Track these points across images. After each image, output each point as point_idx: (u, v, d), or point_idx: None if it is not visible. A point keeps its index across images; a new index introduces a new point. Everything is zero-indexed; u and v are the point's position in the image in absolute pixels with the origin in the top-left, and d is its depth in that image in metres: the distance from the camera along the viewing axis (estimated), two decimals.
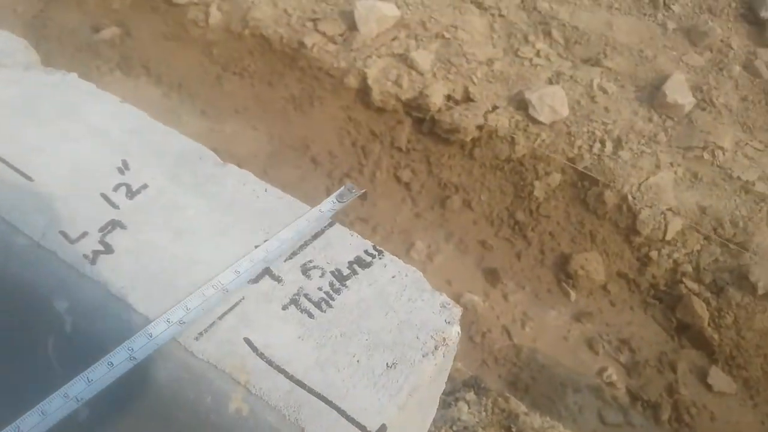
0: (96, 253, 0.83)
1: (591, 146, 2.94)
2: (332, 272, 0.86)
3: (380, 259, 0.89)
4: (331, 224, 0.91)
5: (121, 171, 0.92)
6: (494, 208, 2.95)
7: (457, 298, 2.75)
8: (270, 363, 0.76)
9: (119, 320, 0.78)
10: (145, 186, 0.91)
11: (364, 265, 0.88)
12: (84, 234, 0.84)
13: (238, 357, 0.76)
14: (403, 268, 0.88)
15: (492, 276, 2.90)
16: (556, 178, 2.96)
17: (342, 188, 0.94)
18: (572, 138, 2.96)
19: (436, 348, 0.81)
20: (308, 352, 0.78)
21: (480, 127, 2.99)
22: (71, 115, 0.98)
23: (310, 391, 0.75)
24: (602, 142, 2.93)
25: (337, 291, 0.84)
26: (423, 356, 0.80)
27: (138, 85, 3.33)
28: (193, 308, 0.78)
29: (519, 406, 2.03)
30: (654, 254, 2.82)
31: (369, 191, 2.95)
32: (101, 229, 0.85)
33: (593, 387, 2.71)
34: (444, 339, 0.82)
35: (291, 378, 0.75)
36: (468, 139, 3.01)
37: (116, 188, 0.90)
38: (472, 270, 2.86)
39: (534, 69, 3.15)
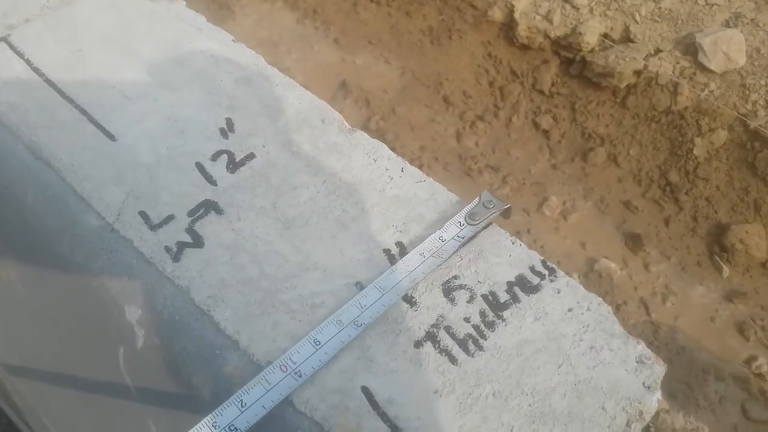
0: (181, 245, 0.61)
1: None
2: (484, 296, 0.60)
3: (552, 281, 0.62)
4: (485, 226, 0.65)
5: (224, 133, 0.70)
6: (644, 166, 2.55)
7: (591, 264, 2.43)
8: (395, 429, 0.53)
9: (201, 342, 0.57)
10: (251, 156, 0.68)
11: (529, 288, 0.61)
12: (169, 218, 0.63)
13: (352, 415, 0.53)
14: (584, 298, 0.61)
15: (633, 241, 2.52)
16: (722, 135, 2.50)
17: (474, 202, 0.65)
18: (746, 91, 2.47)
19: (628, 425, 0.55)
20: (449, 416, 0.54)
21: (638, 73, 2.55)
22: (172, 56, 0.76)
23: None
24: None
25: (491, 326, 0.59)
26: None
27: (273, 9, 3.13)
28: (303, 356, 0.55)
29: (660, 402, 1.72)
30: None
31: (503, 137, 2.64)
32: (191, 213, 0.64)
33: (739, 377, 2.33)
34: (641, 413, 0.55)
35: None
36: (622, 85, 2.58)
37: (215, 157, 0.68)
38: (612, 233, 2.51)
39: (709, 9, 2.63)
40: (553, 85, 2.66)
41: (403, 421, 0.53)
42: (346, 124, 0.72)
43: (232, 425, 0.51)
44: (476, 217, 0.63)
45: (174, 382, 0.57)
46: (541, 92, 2.66)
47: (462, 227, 0.62)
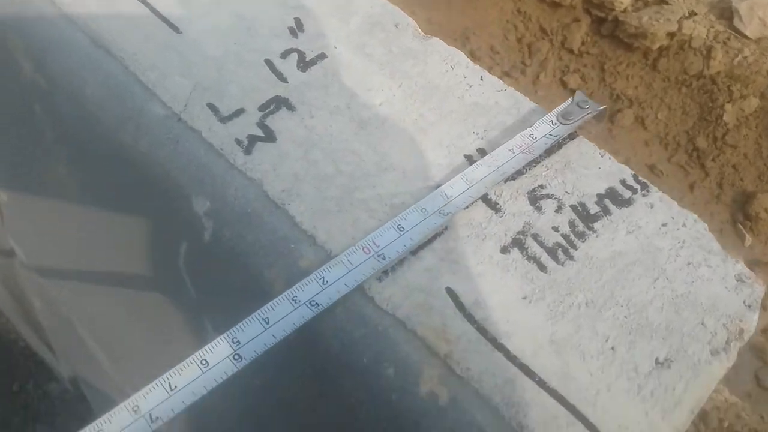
0: (252, 139, 0.57)
1: None
2: (573, 207, 0.57)
3: (644, 195, 0.58)
4: (572, 136, 0.61)
5: (293, 32, 0.65)
6: (672, 130, 2.50)
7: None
8: (482, 331, 0.50)
9: (275, 235, 0.53)
10: (322, 56, 0.64)
11: (621, 202, 0.57)
12: (239, 111, 0.59)
13: (437, 315, 0.50)
14: (679, 214, 0.57)
15: None
16: (753, 103, 2.44)
17: (568, 101, 0.61)
18: None
19: (728, 343, 0.52)
20: (539, 322, 0.51)
21: (671, 35, 2.48)
22: None
23: (543, 385, 0.48)
24: None
25: (581, 236, 0.55)
26: (711, 354, 0.51)
27: None
28: (387, 240, 0.52)
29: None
30: None
31: (529, 94, 2.58)
32: (262, 108, 0.60)
33: (755, 346, 2.30)
34: (741, 331, 0.52)
35: (513, 360, 0.49)
36: (654, 47, 2.51)
37: (285, 55, 0.63)
38: None
39: None
40: (582, 44, 2.59)
41: (491, 324, 0.50)
42: (419, 30, 0.67)
43: (313, 300, 0.48)
44: (570, 117, 0.59)
45: (243, 276, 0.54)
46: (571, 51, 2.59)
47: (554, 126, 0.58)
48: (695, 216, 0.57)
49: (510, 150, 0.56)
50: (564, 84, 2.60)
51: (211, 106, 0.59)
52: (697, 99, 2.47)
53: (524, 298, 0.52)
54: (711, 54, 2.42)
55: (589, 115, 0.59)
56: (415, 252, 0.53)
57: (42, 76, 0.64)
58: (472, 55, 2.70)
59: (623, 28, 2.48)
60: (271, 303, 0.48)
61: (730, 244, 2.51)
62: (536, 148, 0.57)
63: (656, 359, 0.50)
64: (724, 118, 2.41)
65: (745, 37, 2.44)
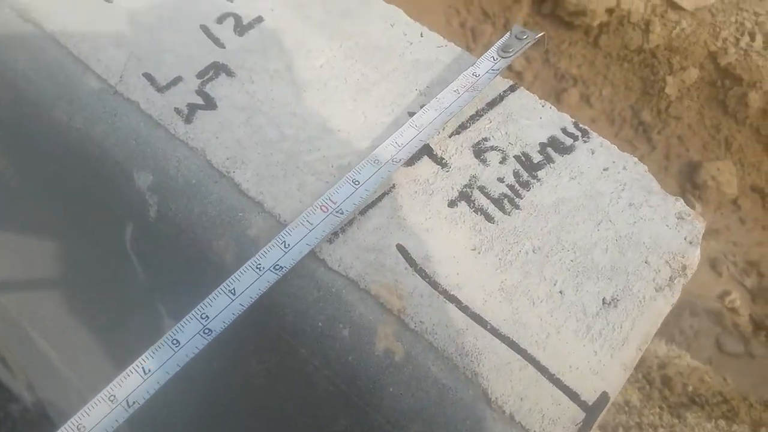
0: (192, 107, 0.57)
1: (738, 39, 2.47)
2: (517, 157, 0.57)
3: (585, 141, 0.59)
4: (512, 88, 0.62)
5: None
6: (616, 106, 2.56)
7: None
8: (434, 285, 0.50)
9: (222, 205, 0.53)
10: (259, 19, 0.63)
11: (563, 149, 0.58)
12: (177, 79, 0.58)
13: (389, 272, 0.50)
14: (619, 157, 0.59)
15: None
16: (693, 74, 2.52)
17: (506, 35, 0.63)
18: (717, 29, 2.49)
19: (671, 279, 0.53)
20: (489, 272, 0.51)
21: (610, 11, 2.54)
22: None
23: (495, 332, 0.48)
24: (752, 35, 2.45)
25: (526, 185, 0.56)
26: (656, 290, 0.52)
27: None
28: (343, 195, 0.51)
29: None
30: None
31: None
32: (200, 75, 0.59)
33: (713, 312, 2.39)
34: (684, 267, 0.54)
35: (465, 310, 0.49)
36: (594, 23, 2.57)
37: (221, 20, 0.62)
38: None
39: None
40: (525, 25, 2.63)
41: (443, 278, 0.50)
42: None
43: (278, 264, 0.47)
44: (510, 49, 0.60)
45: (192, 250, 0.53)
46: None
47: (495, 61, 0.59)
48: (635, 158, 0.58)
49: (455, 90, 0.57)
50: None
51: (148, 76, 0.57)
52: (639, 73, 2.53)
53: (473, 249, 0.52)
54: (650, 28, 2.49)
55: (528, 44, 0.61)
56: (363, 212, 0.53)
57: None
58: None
59: (563, 7, 2.52)
60: (236, 273, 0.47)
61: None
62: (480, 84, 0.58)
63: (603, 299, 0.51)
64: (667, 90, 2.48)
65: (682, 9, 2.52)
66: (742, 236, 2.44)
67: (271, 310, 0.50)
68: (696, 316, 2.27)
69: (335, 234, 0.51)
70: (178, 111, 0.56)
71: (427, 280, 0.50)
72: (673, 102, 2.51)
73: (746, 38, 2.48)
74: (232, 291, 0.47)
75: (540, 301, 0.50)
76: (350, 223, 0.52)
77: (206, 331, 0.46)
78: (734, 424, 1.70)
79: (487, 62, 0.59)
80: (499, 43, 0.61)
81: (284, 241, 0.48)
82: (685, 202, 0.56)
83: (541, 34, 0.62)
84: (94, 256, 0.68)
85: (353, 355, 0.48)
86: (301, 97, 0.58)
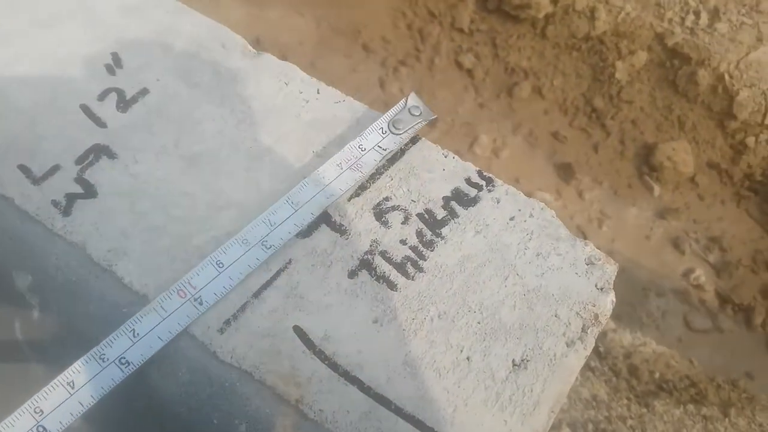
0: (71, 197, 0.53)
1: (683, 19, 2.47)
2: (420, 215, 0.55)
3: (490, 191, 0.57)
4: (413, 140, 0.59)
5: (110, 70, 0.61)
6: (569, 95, 2.55)
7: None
8: (334, 367, 0.48)
9: (104, 302, 0.50)
10: (144, 91, 0.60)
11: (467, 201, 0.56)
12: (54, 168, 0.55)
13: (285, 359, 0.48)
14: (525, 204, 0.56)
15: (565, 171, 2.54)
16: (642, 57, 2.52)
17: (399, 105, 0.59)
18: (661, 10, 2.49)
19: (584, 330, 0.51)
20: (392, 345, 0.49)
21: (555, 1, 2.53)
22: None
23: (399, 412, 0.46)
24: (696, 14, 2.45)
25: (429, 245, 0.54)
26: (567, 345, 0.50)
27: None
28: (204, 279, 0.49)
29: (606, 323, 1.75)
30: (751, 141, 2.41)
31: (426, 80, 2.59)
32: (79, 160, 0.55)
33: (679, 290, 2.41)
34: (596, 316, 0.52)
35: (368, 392, 0.47)
36: (540, 15, 2.56)
37: (103, 96, 0.59)
38: (543, 165, 2.51)
39: None
40: (472, 22, 2.61)
41: (343, 358, 0.48)
42: (249, 47, 0.64)
43: (123, 358, 0.44)
44: (401, 125, 0.57)
45: (79, 347, 0.50)
46: (461, 30, 2.61)
47: (384, 135, 0.56)
48: (542, 204, 0.56)
49: (338, 165, 0.54)
50: (459, 65, 2.62)
51: (23, 168, 0.54)
52: (588, 61, 2.53)
53: (375, 321, 0.50)
54: (595, 14, 2.48)
55: (420, 124, 0.58)
56: (257, 294, 0.50)
57: None
58: (365, 48, 2.69)
59: (508, 1, 2.51)
60: (75, 364, 0.44)
61: (640, 196, 2.60)
62: (365, 163, 0.55)
63: (513, 361, 0.49)
64: (617, 75, 2.48)
65: None
66: (702, 213, 2.46)
67: (165, 407, 0.48)
68: (662, 296, 2.29)
69: (227, 322, 0.49)
70: (55, 203, 0.53)
71: (326, 362, 0.48)
72: (624, 87, 2.51)
73: (691, 17, 2.48)
74: (71, 384, 0.44)
75: (446, 371, 0.48)
76: (242, 308, 0.49)
77: (40, 428, 0.43)
78: (703, 407, 1.71)
79: (376, 135, 0.56)
80: (390, 112, 0.58)
81: (133, 330, 0.45)
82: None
83: (434, 117, 0.59)
84: None
85: None
86: (189, 173, 0.56)
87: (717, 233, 2.35)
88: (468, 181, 0.57)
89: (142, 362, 0.45)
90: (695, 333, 2.28)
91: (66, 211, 0.53)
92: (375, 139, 0.56)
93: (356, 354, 0.48)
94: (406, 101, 0.58)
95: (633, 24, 2.45)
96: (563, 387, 0.49)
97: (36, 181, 0.54)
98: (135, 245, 0.51)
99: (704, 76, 2.37)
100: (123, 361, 0.44)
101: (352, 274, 0.52)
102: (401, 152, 0.58)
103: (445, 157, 0.58)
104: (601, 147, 2.50)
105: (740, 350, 2.17)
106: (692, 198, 2.43)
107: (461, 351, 0.49)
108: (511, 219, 0.55)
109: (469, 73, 2.58)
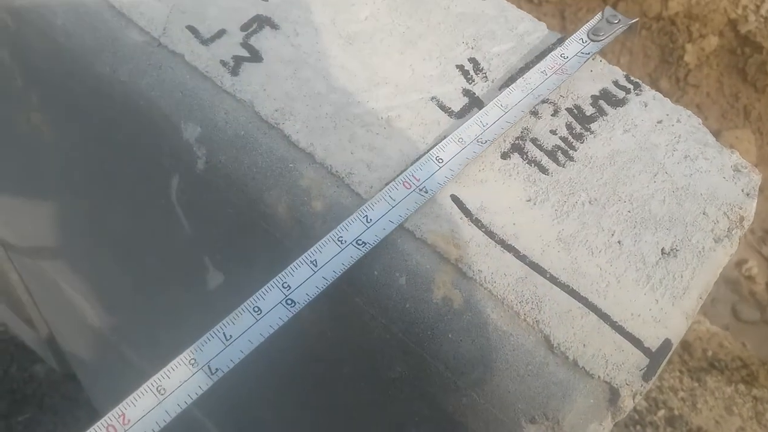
0: (238, 59, 0.55)
1: (758, 6, 2.42)
2: (569, 110, 0.56)
3: (638, 94, 0.58)
4: (560, 40, 0.60)
5: None
6: (634, 74, 2.50)
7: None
8: (490, 235, 0.49)
9: (272, 156, 0.52)
10: None
11: (615, 102, 0.57)
12: (221, 32, 0.57)
13: (444, 222, 0.49)
14: (673, 110, 0.57)
15: None
16: (713, 41, 2.48)
17: (596, 17, 0.61)
18: None
19: (730, 231, 0.52)
20: (545, 222, 0.50)
21: None
22: None
23: (554, 281, 0.48)
24: None
25: (579, 137, 0.55)
26: (715, 241, 0.51)
27: None
28: (427, 173, 0.50)
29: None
30: None
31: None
32: (244, 27, 0.57)
33: (730, 279, 2.38)
34: (741, 219, 0.53)
35: (523, 259, 0.48)
36: None
37: None
38: None
39: None
40: None
41: (499, 228, 0.49)
42: None
43: (359, 239, 0.47)
44: (600, 33, 0.58)
45: (241, 202, 0.52)
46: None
47: (585, 44, 0.58)
48: (689, 112, 0.57)
49: (542, 72, 0.56)
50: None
51: (191, 29, 0.56)
52: (657, 41, 2.49)
53: (528, 200, 0.51)
54: None
55: (620, 29, 0.59)
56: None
57: (8, 14, 0.60)
58: None
59: None
60: (317, 245, 0.47)
61: None
62: (569, 67, 0.56)
63: (662, 249, 0.50)
64: (685, 58, 2.44)
65: None
66: (759, 204, 2.41)
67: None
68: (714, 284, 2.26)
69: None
70: (223, 63, 0.55)
71: (483, 230, 0.49)
72: (692, 70, 2.47)
73: (767, 5, 2.43)
74: (314, 262, 0.46)
75: (598, 251, 0.49)
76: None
77: (289, 301, 0.45)
78: (754, 389, 1.70)
79: (576, 44, 0.58)
80: (588, 25, 0.59)
81: (366, 216, 0.47)
82: None
83: (635, 20, 0.60)
84: (135, 208, 0.68)
85: (410, 303, 0.48)
86: (348, 50, 0.57)
87: None
88: (615, 83, 0.58)
89: (376, 242, 0.47)
90: (743, 323, 2.26)
91: (234, 71, 0.54)
92: (576, 48, 0.57)
93: (511, 225, 0.49)
94: (603, 13, 0.60)
95: (707, 7, 2.41)
96: (710, 278, 0.50)
97: (204, 41, 0.56)
98: (300, 108, 0.53)
99: None
100: (360, 242, 0.47)
101: (505, 156, 0.53)
102: (548, 50, 0.59)
103: (593, 59, 0.59)
104: None
105: None
106: None
107: (612, 234, 0.50)
108: (659, 122, 0.56)
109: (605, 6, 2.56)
